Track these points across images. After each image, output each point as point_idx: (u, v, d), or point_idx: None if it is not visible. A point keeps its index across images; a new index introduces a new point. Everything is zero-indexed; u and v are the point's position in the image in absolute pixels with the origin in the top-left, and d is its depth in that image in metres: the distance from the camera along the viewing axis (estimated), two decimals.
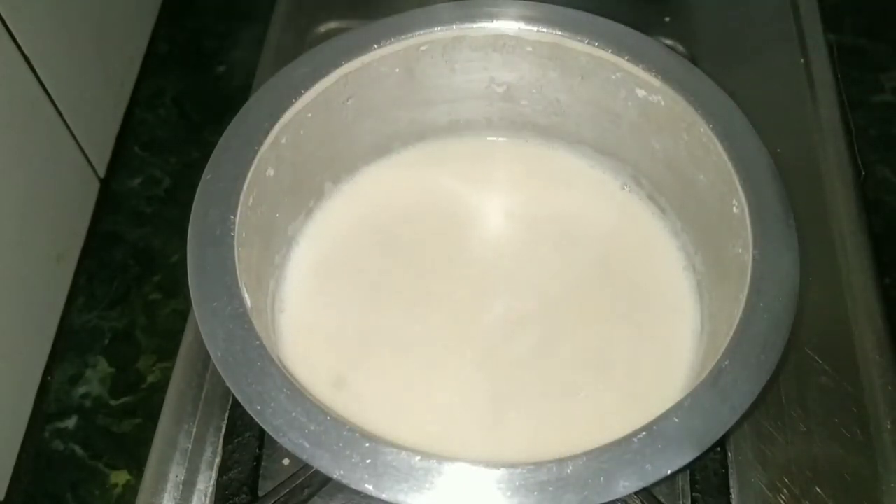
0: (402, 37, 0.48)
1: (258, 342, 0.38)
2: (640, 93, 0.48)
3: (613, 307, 0.50)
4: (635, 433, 0.35)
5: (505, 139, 0.56)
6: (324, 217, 0.53)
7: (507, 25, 0.49)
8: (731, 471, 0.46)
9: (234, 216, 0.42)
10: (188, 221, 0.42)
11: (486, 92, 0.53)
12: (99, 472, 0.89)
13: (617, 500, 0.34)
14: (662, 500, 0.43)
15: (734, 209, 0.44)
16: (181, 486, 0.46)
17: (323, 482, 0.44)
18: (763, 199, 0.42)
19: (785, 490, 0.46)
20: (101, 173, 0.95)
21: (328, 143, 0.50)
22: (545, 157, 0.56)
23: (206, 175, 0.43)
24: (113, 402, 0.93)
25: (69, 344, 0.95)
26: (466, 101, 0.53)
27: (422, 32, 0.48)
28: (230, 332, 0.38)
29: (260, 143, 0.44)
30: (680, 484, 0.46)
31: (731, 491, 0.46)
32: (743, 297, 0.40)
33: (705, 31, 0.65)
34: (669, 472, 0.35)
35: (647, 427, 0.36)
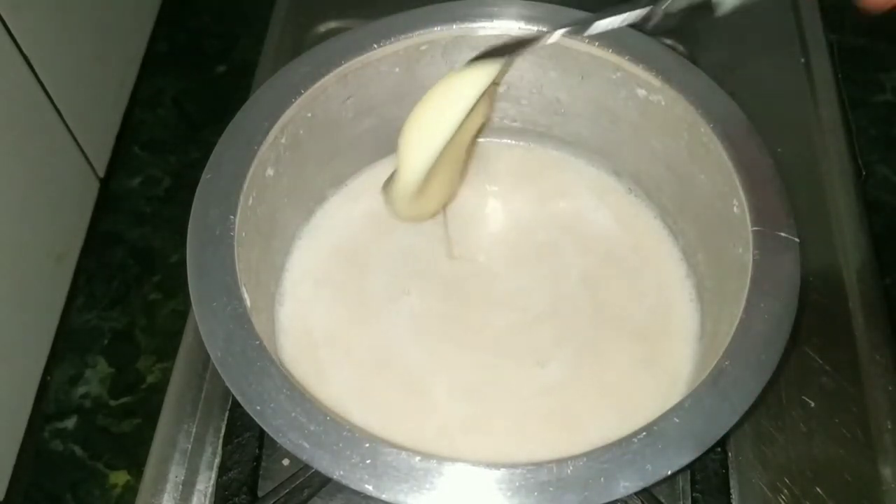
0: (402, 37, 0.48)
1: (258, 342, 0.38)
2: (640, 93, 0.48)
3: (614, 308, 0.50)
4: (635, 433, 0.35)
5: (505, 139, 0.56)
6: (324, 217, 0.53)
7: (507, 25, 0.49)
8: (731, 471, 0.46)
9: (234, 216, 0.42)
10: (188, 221, 0.42)
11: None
12: (99, 472, 0.89)
13: (617, 500, 0.34)
14: (662, 500, 0.43)
15: (734, 209, 0.44)
16: (181, 487, 0.46)
17: (323, 482, 0.44)
18: (763, 199, 0.42)
19: (785, 490, 0.46)
20: (101, 173, 0.95)
21: (328, 143, 0.50)
22: (545, 156, 0.56)
23: (206, 175, 0.43)
24: (113, 403, 0.93)
25: (69, 344, 0.95)
26: None
27: (422, 32, 0.48)
28: (230, 332, 0.38)
29: (260, 143, 0.44)
30: (680, 484, 0.46)
31: (732, 491, 0.46)
32: (743, 297, 0.40)
33: (705, 31, 0.65)
34: (669, 472, 0.35)
35: (648, 427, 0.36)
